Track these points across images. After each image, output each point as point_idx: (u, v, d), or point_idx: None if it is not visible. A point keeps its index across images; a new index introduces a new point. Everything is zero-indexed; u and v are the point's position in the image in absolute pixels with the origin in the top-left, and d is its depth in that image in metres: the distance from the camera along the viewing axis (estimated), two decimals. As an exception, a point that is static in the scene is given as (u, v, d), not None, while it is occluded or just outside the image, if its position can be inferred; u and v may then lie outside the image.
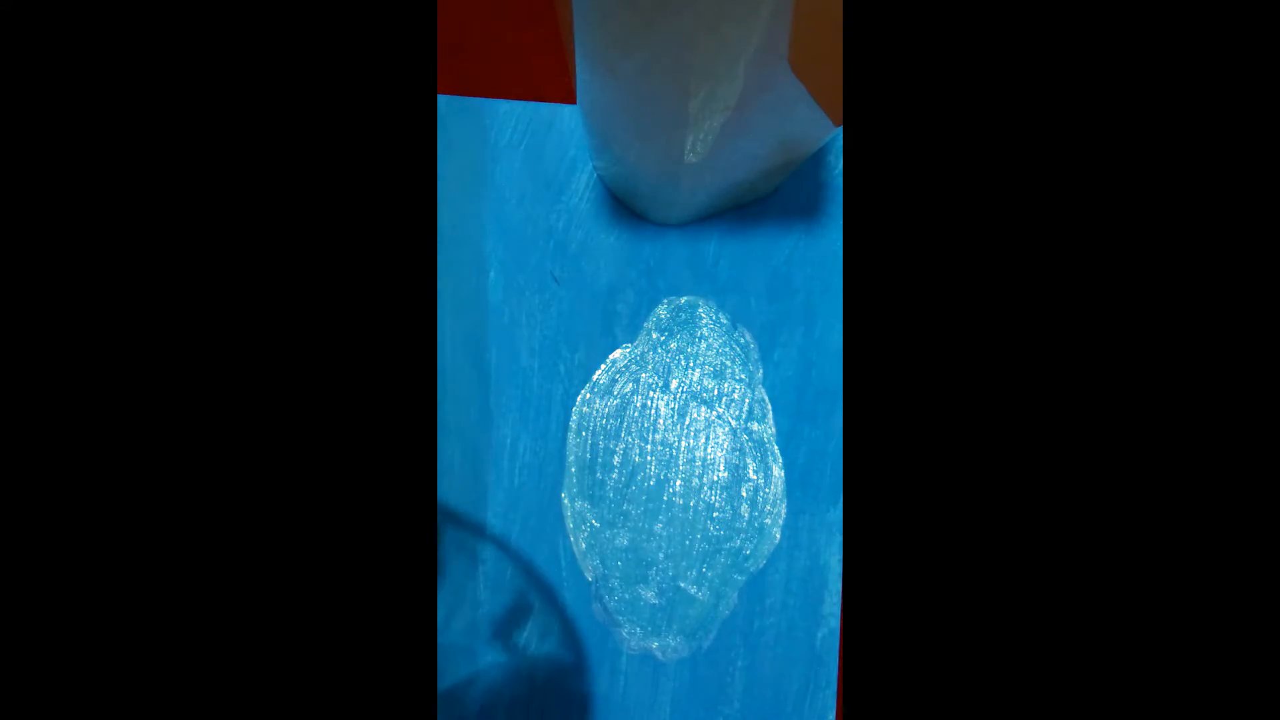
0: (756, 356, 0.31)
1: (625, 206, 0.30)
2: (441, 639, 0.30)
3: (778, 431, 0.30)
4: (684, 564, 0.30)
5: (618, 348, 0.31)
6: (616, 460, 0.30)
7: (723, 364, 0.30)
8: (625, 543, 0.30)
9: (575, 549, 0.30)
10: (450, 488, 0.30)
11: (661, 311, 0.31)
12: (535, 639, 0.30)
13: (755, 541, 0.30)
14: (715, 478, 0.30)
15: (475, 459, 0.30)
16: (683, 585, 0.30)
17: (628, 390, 0.30)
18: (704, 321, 0.31)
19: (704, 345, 0.30)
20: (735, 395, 0.30)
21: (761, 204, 0.31)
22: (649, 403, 0.30)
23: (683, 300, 0.31)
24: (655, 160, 0.23)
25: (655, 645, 0.30)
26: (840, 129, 0.25)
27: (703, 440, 0.30)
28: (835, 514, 0.30)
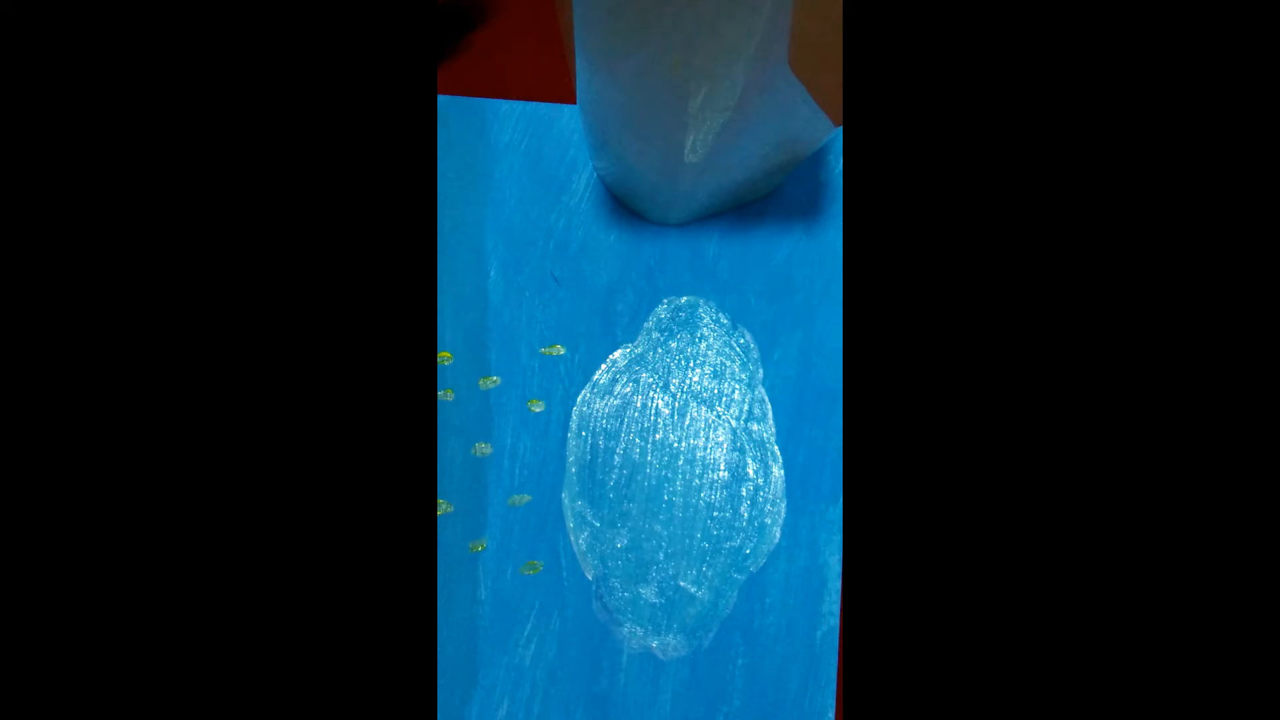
0: (756, 356, 0.31)
1: (625, 206, 0.30)
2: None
3: (778, 431, 0.30)
4: (684, 563, 0.30)
5: (618, 348, 0.31)
6: (616, 460, 0.30)
7: (723, 364, 0.30)
8: (625, 542, 0.30)
9: (575, 549, 0.30)
10: (450, 488, 0.30)
11: (661, 311, 0.31)
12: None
13: (755, 541, 0.30)
14: (715, 478, 0.30)
15: (475, 459, 0.30)
16: (683, 584, 0.30)
17: (628, 390, 0.30)
18: (704, 321, 0.31)
19: (704, 345, 0.30)
20: (735, 395, 0.30)
21: (761, 204, 0.31)
22: (649, 403, 0.30)
23: (683, 300, 0.31)
24: (655, 160, 0.23)
25: (655, 644, 0.30)
26: (840, 129, 0.25)
27: (703, 440, 0.30)
28: (835, 513, 0.30)
